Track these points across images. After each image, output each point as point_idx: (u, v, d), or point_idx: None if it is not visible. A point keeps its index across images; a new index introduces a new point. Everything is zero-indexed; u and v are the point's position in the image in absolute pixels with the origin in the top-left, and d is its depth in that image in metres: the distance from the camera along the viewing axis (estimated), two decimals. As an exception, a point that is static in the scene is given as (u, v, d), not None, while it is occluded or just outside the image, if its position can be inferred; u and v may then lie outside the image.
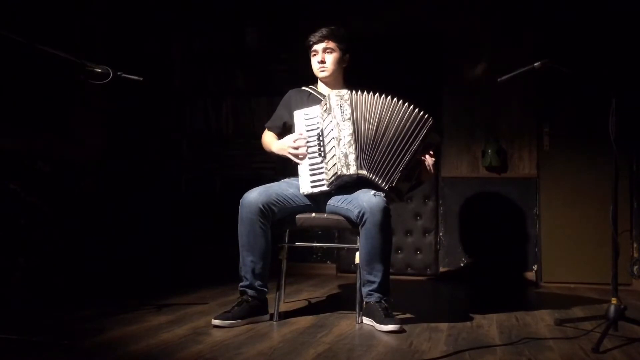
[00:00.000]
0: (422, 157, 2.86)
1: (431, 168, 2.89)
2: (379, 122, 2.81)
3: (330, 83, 3.09)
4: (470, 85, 4.60)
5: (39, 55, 2.35)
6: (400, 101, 2.83)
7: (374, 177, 2.78)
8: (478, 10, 4.62)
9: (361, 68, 4.66)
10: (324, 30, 3.03)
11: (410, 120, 2.80)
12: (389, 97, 2.84)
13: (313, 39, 3.04)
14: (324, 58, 3.02)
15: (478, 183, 4.60)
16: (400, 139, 2.79)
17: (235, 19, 5.00)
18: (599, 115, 3.10)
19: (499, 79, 2.82)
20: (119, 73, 2.55)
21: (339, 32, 3.05)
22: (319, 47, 3.03)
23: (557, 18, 4.46)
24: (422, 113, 2.82)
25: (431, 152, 2.89)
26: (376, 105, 2.83)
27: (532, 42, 4.45)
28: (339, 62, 3.05)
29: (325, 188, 2.86)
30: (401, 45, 4.75)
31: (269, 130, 3.18)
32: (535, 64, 2.72)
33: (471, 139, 4.61)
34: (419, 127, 2.80)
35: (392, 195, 2.85)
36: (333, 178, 2.79)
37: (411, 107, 2.82)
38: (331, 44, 3.02)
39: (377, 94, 2.84)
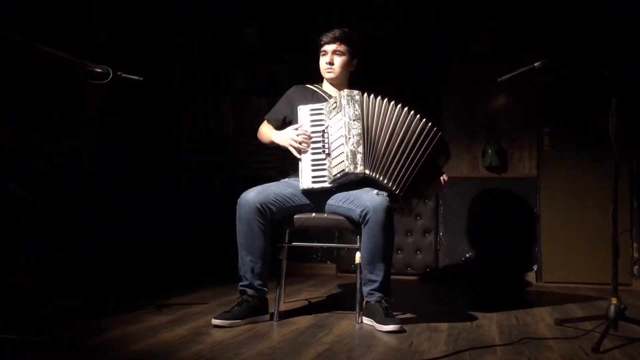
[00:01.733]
0: (437, 177, 2.96)
1: (440, 187, 3.02)
2: (393, 130, 2.83)
3: (336, 85, 3.10)
4: (470, 85, 4.60)
5: (39, 55, 2.35)
6: (418, 116, 2.86)
7: (386, 182, 2.78)
8: (478, 10, 4.62)
9: (361, 68, 4.70)
10: (336, 32, 3.03)
11: (429, 139, 2.85)
12: (406, 109, 2.86)
13: (325, 39, 3.04)
14: (332, 60, 3.03)
15: (478, 183, 4.60)
16: (420, 155, 2.83)
17: (235, 19, 5.00)
18: (599, 115, 3.10)
19: (499, 79, 2.82)
20: (119, 73, 2.55)
21: (351, 35, 3.06)
22: (329, 47, 3.03)
23: (557, 18, 4.46)
24: (440, 134, 2.88)
25: (444, 173, 2.99)
26: (390, 113, 2.84)
27: (532, 42, 4.44)
28: (347, 66, 3.07)
29: (326, 184, 2.86)
30: (401, 45, 4.75)
31: (268, 122, 3.18)
32: (535, 64, 2.72)
33: (471, 139, 4.60)
34: (438, 148, 2.88)
35: (404, 206, 2.90)
36: (339, 174, 2.79)
37: (434, 128, 2.87)
38: (342, 47, 3.03)
39: (392, 102, 2.87)
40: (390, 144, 2.81)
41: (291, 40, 4.84)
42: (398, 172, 2.79)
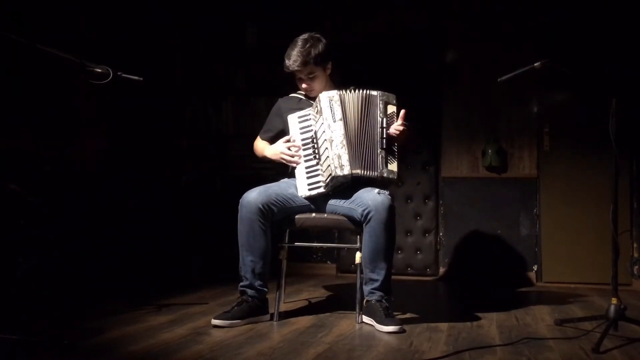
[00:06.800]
0: (393, 131, 2.82)
1: (404, 132, 2.83)
2: (362, 119, 2.82)
3: (320, 92, 3.05)
4: (470, 85, 4.60)
5: (39, 55, 2.35)
6: (371, 92, 2.84)
7: (367, 173, 2.78)
8: (478, 10, 4.62)
9: (361, 69, 4.70)
10: (300, 57, 2.89)
11: (379, 110, 2.83)
12: (361, 90, 2.84)
13: (294, 65, 2.91)
14: (309, 85, 2.98)
15: (478, 183, 4.60)
16: (381, 128, 2.82)
17: (235, 19, 5.00)
18: (599, 115, 3.10)
19: (499, 79, 2.82)
20: (119, 73, 2.55)
21: (316, 52, 2.91)
22: (301, 74, 2.95)
23: (557, 17, 4.46)
24: (371, 93, 2.83)
25: (394, 120, 2.85)
26: (365, 101, 2.84)
27: (532, 41, 4.44)
28: (324, 79, 3.01)
29: (322, 190, 2.86)
30: (401, 45, 4.75)
31: (262, 139, 3.16)
32: (535, 64, 2.72)
33: (471, 139, 4.60)
34: (386, 110, 2.84)
35: (392, 179, 2.86)
36: (328, 179, 2.79)
37: (361, 91, 2.83)
38: (313, 69, 2.93)
39: (358, 91, 2.84)
40: (362, 134, 2.81)
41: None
42: (377, 158, 2.79)
